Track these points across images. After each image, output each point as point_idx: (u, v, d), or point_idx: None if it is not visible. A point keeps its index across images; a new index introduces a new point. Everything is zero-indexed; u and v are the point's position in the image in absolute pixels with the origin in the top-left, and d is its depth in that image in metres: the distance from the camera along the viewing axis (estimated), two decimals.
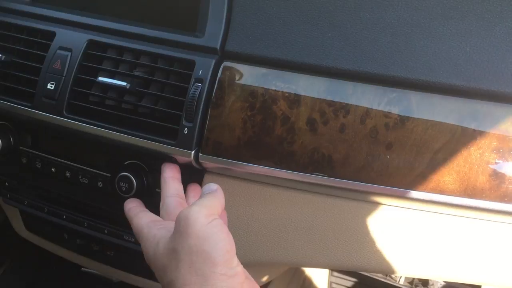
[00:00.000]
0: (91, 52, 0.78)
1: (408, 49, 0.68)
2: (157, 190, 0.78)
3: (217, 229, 0.54)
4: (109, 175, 0.79)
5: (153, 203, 0.73)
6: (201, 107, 0.71)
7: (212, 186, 0.60)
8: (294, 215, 0.73)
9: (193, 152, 0.71)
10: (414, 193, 0.65)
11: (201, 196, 0.59)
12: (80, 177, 0.82)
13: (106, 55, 0.77)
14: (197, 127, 0.70)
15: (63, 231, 0.94)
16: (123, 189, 0.76)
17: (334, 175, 0.67)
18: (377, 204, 0.70)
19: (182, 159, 0.72)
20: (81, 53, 0.77)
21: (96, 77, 0.76)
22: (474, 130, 0.64)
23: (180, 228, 0.54)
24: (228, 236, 0.54)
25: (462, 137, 0.64)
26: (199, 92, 0.71)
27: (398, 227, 0.71)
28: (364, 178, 0.67)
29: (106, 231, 0.84)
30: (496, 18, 0.67)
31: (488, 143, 0.64)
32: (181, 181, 0.72)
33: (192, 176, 0.76)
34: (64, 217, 0.86)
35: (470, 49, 0.67)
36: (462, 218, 0.69)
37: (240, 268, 0.54)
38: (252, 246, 0.76)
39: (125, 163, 0.79)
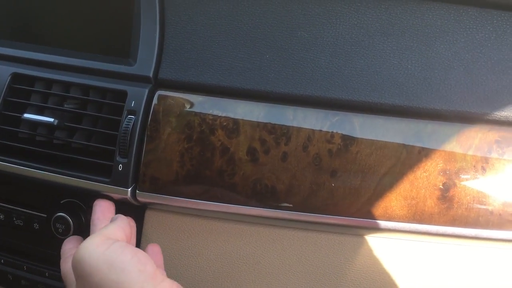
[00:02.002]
0: (16, 86, 0.72)
1: (348, 69, 0.65)
2: None
3: (118, 252, 0.48)
4: (45, 215, 0.74)
5: None
6: (135, 141, 0.66)
7: (116, 216, 0.56)
8: (242, 249, 0.69)
9: (129, 189, 0.66)
10: (361, 221, 0.62)
11: None
12: (14, 219, 0.76)
13: (33, 88, 0.72)
14: (132, 162, 0.66)
15: (6, 273, 0.88)
16: (60, 230, 0.72)
17: (279, 206, 0.64)
18: (326, 233, 0.67)
19: (118, 197, 0.67)
20: (5, 88, 0.72)
21: (24, 113, 0.70)
22: (419, 152, 0.61)
23: (78, 272, 0.48)
24: (136, 255, 0.49)
25: (408, 160, 0.61)
26: (133, 125, 0.66)
27: (349, 255, 0.68)
28: (310, 208, 0.63)
29: (47, 274, 0.78)
30: (437, 32, 0.64)
31: (434, 165, 0.61)
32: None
33: (133, 212, 0.72)
34: (2, 261, 0.80)
35: (411, 66, 0.64)
36: (414, 242, 0.66)
37: (167, 283, 0.49)
38: (198, 285, 0.72)
39: (61, 202, 0.74)
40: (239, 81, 0.66)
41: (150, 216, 0.71)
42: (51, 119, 0.68)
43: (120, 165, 0.66)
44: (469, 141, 0.61)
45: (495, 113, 0.62)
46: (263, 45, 0.67)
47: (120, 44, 0.75)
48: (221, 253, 0.70)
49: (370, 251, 0.67)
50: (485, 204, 0.60)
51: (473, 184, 0.61)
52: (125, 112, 0.67)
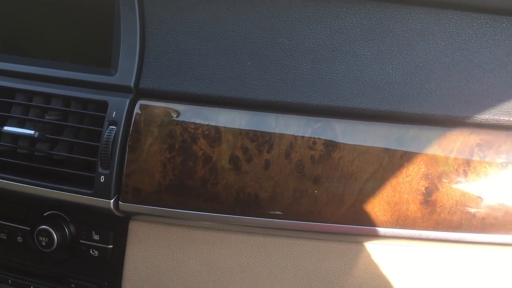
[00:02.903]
0: None
1: (329, 74, 0.65)
2: (81, 241, 0.72)
3: None
4: (28, 228, 0.73)
5: (77, 256, 0.68)
6: (117, 151, 0.66)
7: None
8: (227, 257, 0.69)
9: (112, 201, 0.66)
10: (345, 228, 0.62)
11: None
12: None
13: (14, 101, 0.71)
14: (114, 173, 0.65)
15: None
16: (43, 243, 0.71)
17: (263, 214, 0.63)
18: (311, 240, 0.67)
19: (101, 208, 0.67)
20: None
21: (4, 125, 0.70)
22: (402, 157, 0.61)
23: None
24: None
25: (390, 165, 0.61)
26: (114, 136, 0.65)
27: (334, 261, 0.68)
28: (294, 215, 0.63)
29: (32, 287, 0.77)
30: (417, 36, 0.64)
31: (416, 169, 0.61)
32: None
33: (118, 223, 0.71)
34: None
35: (392, 71, 0.64)
36: (399, 246, 0.66)
37: None
38: None
39: (45, 214, 0.73)
40: (220, 89, 0.66)
41: (134, 227, 0.71)
42: (32, 132, 0.67)
43: (102, 176, 0.66)
44: (450, 145, 0.61)
45: (476, 116, 0.62)
46: (244, 52, 0.66)
47: (102, 54, 0.74)
48: (206, 262, 0.70)
49: (355, 257, 0.67)
50: (467, 208, 0.60)
51: (455, 188, 0.61)
52: (106, 123, 0.67)
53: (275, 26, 0.66)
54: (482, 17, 0.63)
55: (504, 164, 0.61)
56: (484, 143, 0.61)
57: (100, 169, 0.66)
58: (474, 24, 0.63)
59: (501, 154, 0.61)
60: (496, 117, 0.62)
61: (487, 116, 0.62)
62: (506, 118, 0.62)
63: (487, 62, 0.62)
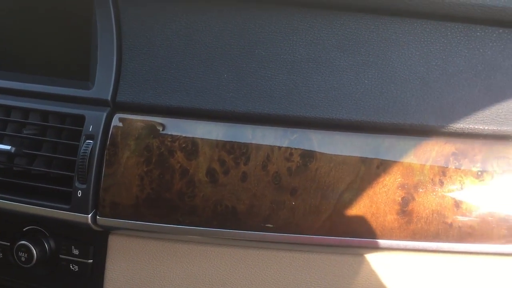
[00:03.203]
0: None
1: (305, 85, 0.65)
2: (60, 256, 0.72)
3: None
4: (8, 244, 0.73)
5: (58, 271, 0.67)
6: (94, 166, 0.65)
7: None
8: (206, 270, 0.69)
9: (89, 215, 0.65)
10: (323, 239, 0.62)
11: None
12: None
13: None
14: (91, 188, 0.65)
15: None
16: (23, 259, 0.70)
17: (241, 227, 0.63)
18: (290, 251, 0.66)
19: (79, 223, 0.66)
20: None
21: None
22: (378, 167, 0.61)
23: None
24: None
25: (366, 176, 0.61)
26: (91, 150, 0.65)
27: (313, 273, 0.68)
28: (272, 227, 0.63)
29: None
30: (392, 46, 0.64)
31: (392, 179, 0.61)
32: None
33: (97, 237, 0.71)
34: None
35: (368, 81, 0.64)
36: (378, 257, 0.66)
37: None
38: None
39: (24, 229, 0.73)
40: (197, 102, 0.66)
41: (113, 241, 0.70)
42: (9, 147, 0.67)
43: (79, 191, 0.65)
44: (426, 154, 0.61)
45: (451, 125, 0.62)
46: (221, 64, 0.66)
47: (80, 68, 0.74)
48: (186, 275, 0.69)
49: (335, 268, 0.66)
50: (444, 217, 0.60)
51: (431, 197, 0.61)
52: (83, 137, 0.66)
53: (251, 38, 0.66)
54: (456, 26, 0.64)
55: (479, 173, 0.61)
56: (459, 152, 0.61)
57: (77, 184, 0.65)
58: (448, 33, 0.64)
59: (476, 163, 0.61)
60: (471, 126, 0.62)
61: (462, 125, 0.62)
62: (480, 127, 0.62)
63: (462, 71, 0.63)
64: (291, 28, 0.66)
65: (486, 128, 0.62)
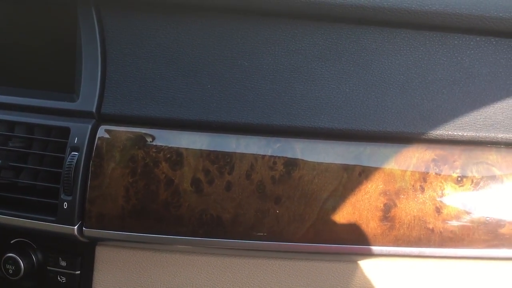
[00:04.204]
0: None
1: (288, 95, 0.66)
2: (48, 268, 0.72)
3: None
4: None
5: (45, 283, 0.67)
6: (80, 177, 0.66)
7: None
8: (193, 279, 0.69)
9: (75, 227, 0.66)
10: (308, 246, 0.63)
11: None
12: None
13: None
14: (77, 200, 0.66)
15: None
16: (10, 271, 0.70)
17: (226, 236, 0.64)
18: (276, 259, 0.67)
19: (65, 234, 0.67)
20: None
21: None
22: (360, 175, 0.62)
23: None
24: None
25: (349, 183, 0.62)
26: (76, 162, 0.66)
27: (300, 280, 0.68)
28: (257, 235, 0.63)
29: None
30: (372, 55, 0.66)
31: (374, 186, 0.62)
32: None
33: (84, 248, 0.71)
34: None
35: (349, 90, 0.65)
36: (363, 263, 0.66)
37: None
38: None
39: (11, 241, 0.73)
40: (181, 112, 0.67)
41: (100, 252, 0.71)
42: None
43: (65, 203, 0.66)
44: (407, 161, 0.62)
45: (431, 132, 0.63)
46: (204, 75, 0.67)
47: (66, 80, 0.75)
48: (173, 285, 0.70)
49: (321, 275, 0.67)
50: (425, 223, 0.61)
51: (412, 203, 0.62)
52: (68, 149, 0.67)
53: (234, 48, 0.67)
54: (434, 35, 0.65)
55: (459, 178, 0.62)
56: (439, 158, 0.62)
57: (63, 196, 0.66)
58: (427, 42, 0.65)
59: (456, 168, 0.62)
60: (450, 132, 0.63)
61: (442, 131, 0.63)
62: (459, 133, 0.63)
63: (440, 79, 0.64)
64: (273, 38, 0.67)
65: (465, 134, 0.63)
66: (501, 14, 0.61)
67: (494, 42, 0.64)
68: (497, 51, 0.64)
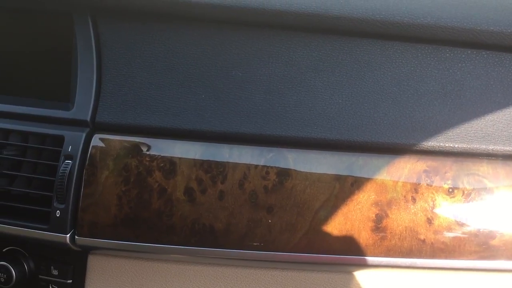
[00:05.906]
0: None
1: (281, 105, 0.66)
2: (40, 276, 0.71)
3: None
4: None
5: None
6: (73, 186, 0.66)
7: None
8: None
9: (68, 235, 0.66)
10: (300, 256, 0.63)
11: None
12: None
13: None
14: (70, 208, 0.66)
15: None
16: (2, 280, 0.70)
17: (218, 245, 0.64)
18: (267, 269, 0.67)
19: (58, 243, 0.67)
20: None
21: None
22: (352, 185, 0.62)
23: None
24: None
25: (341, 193, 0.62)
26: (70, 170, 0.66)
27: None
28: (249, 245, 0.64)
29: None
30: (365, 67, 0.66)
31: (366, 197, 0.62)
32: None
33: (76, 257, 0.71)
34: None
35: (342, 101, 0.66)
36: (354, 274, 0.66)
37: None
38: None
39: (3, 250, 0.73)
40: (175, 122, 0.67)
41: (93, 261, 0.71)
42: None
43: (58, 211, 0.66)
44: (399, 171, 0.63)
45: (422, 143, 0.64)
46: (199, 85, 0.68)
47: (61, 89, 0.75)
48: None
49: (311, 285, 0.67)
50: (417, 234, 0.61)
51: (404, 214, 0.62)
52: (62, 157, 0.67)
53: (228, 59, 0.68)
54: (426, 48, 0.66)
55: (450, 189, 0.62)
56: (430, 169, 0.63)
57: (55, 204, 0.66)
58: (419, 55, 0.66)
59: (447, 179, 0.63)
60: (442, 144, 0.64)
61: (433, 143, 0.64)
62: (451, 145, 0.64)
63: (432, 90, 0.65)
64: (267, 49, 0.67)
65: (457, 146, 0.64)
66: (491, 28, 0.62)
67: (485, 55, 0.65)
68: (488, 64, 0.64)
